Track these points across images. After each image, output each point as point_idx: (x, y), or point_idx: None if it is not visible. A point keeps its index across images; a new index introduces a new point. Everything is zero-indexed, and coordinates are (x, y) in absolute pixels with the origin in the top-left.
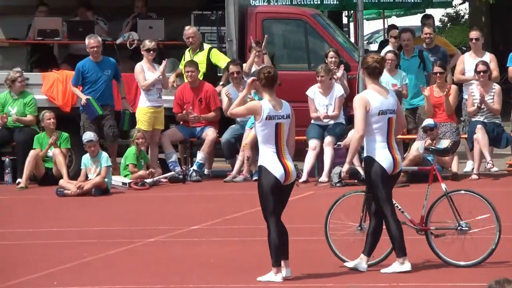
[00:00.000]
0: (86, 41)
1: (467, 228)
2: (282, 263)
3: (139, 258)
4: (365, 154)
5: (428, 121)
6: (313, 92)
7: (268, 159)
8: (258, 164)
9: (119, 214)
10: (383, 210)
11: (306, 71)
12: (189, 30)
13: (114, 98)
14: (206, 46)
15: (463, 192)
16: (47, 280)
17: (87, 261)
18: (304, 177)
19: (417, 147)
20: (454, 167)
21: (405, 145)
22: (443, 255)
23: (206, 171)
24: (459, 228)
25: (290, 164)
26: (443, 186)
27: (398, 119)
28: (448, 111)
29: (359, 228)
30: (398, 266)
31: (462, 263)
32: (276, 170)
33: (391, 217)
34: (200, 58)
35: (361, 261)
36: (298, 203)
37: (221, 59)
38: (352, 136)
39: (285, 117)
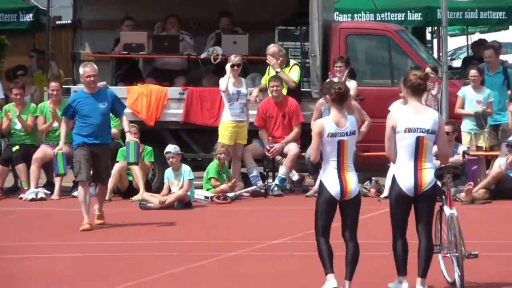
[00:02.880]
0: (81, 69)
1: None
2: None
3: (220, 272)
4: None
5: None
6: (396, 108)
7: (328, 175)
8: (319, 179)
9: (201, 227)
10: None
11: (389, 87)
12: (269, 50)
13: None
14: (292, 62)
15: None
16: None
17: (168, 274)
18: (386, 192)
19: (500, 163)
20: None
21: (487, 162)
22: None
23: (288, 186)
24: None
25: (350, 180)
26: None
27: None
28: None
29: None
30: None
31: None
32: (333, 186)
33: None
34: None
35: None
36: (376, 219)
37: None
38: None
39: (348, 134)
